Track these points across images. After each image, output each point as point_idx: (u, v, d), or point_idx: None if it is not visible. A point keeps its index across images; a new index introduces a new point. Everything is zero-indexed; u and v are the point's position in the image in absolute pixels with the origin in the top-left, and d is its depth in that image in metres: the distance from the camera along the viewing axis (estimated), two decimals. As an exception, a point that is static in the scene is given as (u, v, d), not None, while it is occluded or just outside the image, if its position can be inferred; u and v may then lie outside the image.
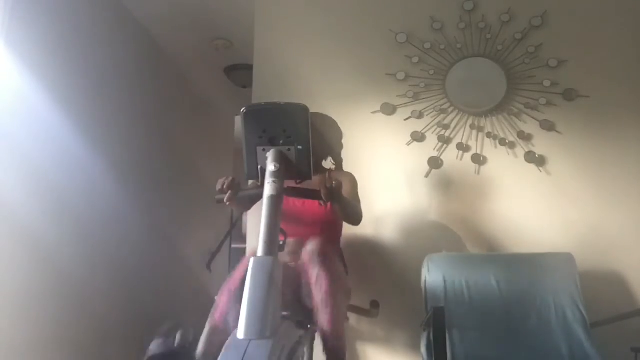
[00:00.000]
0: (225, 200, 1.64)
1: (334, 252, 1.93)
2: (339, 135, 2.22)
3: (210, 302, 1.86)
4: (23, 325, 2.21)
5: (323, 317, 1.50)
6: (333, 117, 2.27)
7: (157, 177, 3.45)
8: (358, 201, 2.10)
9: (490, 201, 2.51)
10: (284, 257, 1.86)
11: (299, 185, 1.47)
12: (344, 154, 2.28)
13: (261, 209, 1.23)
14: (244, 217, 4.25)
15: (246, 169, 1.36)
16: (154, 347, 1.39)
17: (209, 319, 1.56)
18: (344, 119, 2.62)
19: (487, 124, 2.59)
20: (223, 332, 1.43)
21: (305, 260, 1.62)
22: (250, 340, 1.01)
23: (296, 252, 1.87)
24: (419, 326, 2.08)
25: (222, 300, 1.55)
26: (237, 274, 1.57)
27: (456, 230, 2.50)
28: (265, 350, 1.00)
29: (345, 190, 1.94)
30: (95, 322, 2.67)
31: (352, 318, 2.22)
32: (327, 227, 2.02)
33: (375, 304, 2.16)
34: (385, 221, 2.54)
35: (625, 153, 2.47)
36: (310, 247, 1.64)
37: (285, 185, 1.34)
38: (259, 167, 1.33)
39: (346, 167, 2.40)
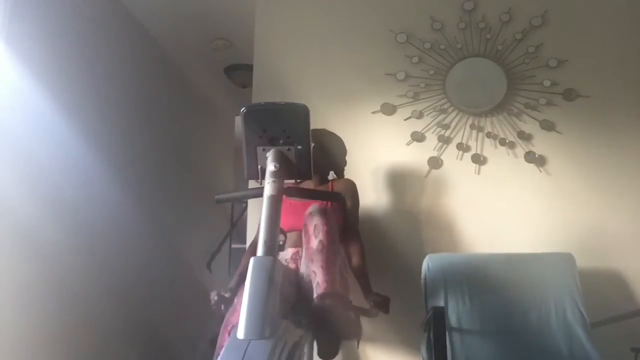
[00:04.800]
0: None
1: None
2: (344, 152, 2.34)
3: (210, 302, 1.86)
4: (23, 326, 2.21)
5: (316, 265, 1.50)
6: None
7: (156, 176, 3.45)
8: (357, 217, 2.22)
9: (490, 201, 2.51)
10: (286, 253, 1.88)
11: (304, 187, 1.49)
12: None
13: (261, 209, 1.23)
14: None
15: (246, 168, 1.36)
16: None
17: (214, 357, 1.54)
18: (344, 119, 2.64)
19: (487, 124, 2.59)
20: None
21: (305, 218, 1.65)
22: (250, 340, 1.01)
23: (297, 245, 1.90)
24: (419, 326, 2.08)
25: (224, 337, 1.53)
26: (236, 310, 1.55)
27: (456, 230, 2.50)
28: (265, 350, 1.00)
29: (348, 208, 2.12)
30: (95, 322, 2.67)
31: (352, 318, 2.22)
32: (333, 219, 2.04)
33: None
34: (385, 221, 2.54)
35: (625, 153, 2.47)
36: (311, 209, 1.68)
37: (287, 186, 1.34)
38: (259, 167, 1.33)
39: (346, 167, 2.41)
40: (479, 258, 2.26)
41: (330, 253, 1.56)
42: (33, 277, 2.27)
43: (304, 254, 1.66)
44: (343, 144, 2.33)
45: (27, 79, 2.28)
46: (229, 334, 1.51)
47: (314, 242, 1.57)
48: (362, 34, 2.77)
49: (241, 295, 1.55)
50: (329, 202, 2.07)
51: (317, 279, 1.50)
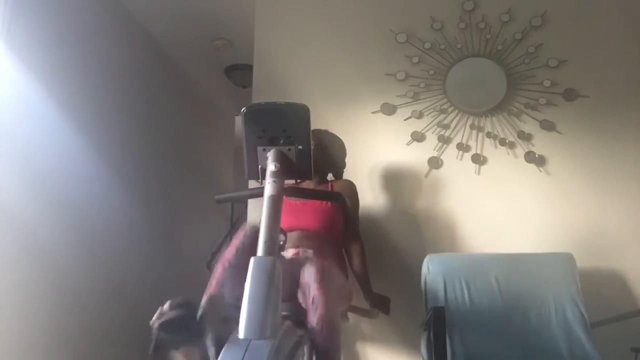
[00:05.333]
0: None
1: (332, 259, 1.95)
2: (344, 154, 2.36)
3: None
4: (22, 326, 2.21)
5: (313, 316, 1.46)
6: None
7: (156, 176, 3.45)
8: (357, 218, 2.22)
9: (490, 201, 2.51)
10: (286, 253, 1.88)
11: (306, 187, 1.47)
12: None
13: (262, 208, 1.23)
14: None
15: (246, 168, 1.36)
16: (168, 313, 1.33)
17: (206, 290, 1.55)
18: (344, 119, 2.64)
19: (487, 124, 2.59)
20: (220, 299, 1.45)
21: (302, 284, 1.54)
22: (250, 340, 1.01)
23: (297, 245, 1.90)
24: (419, 326, 2.08)
25: (218, 271, 1.55)
26: (232, 246, 1.56)
27: (456, 230, 2.50)
28: (265, 350, 0.99)
29: (349, 209, 2.11)
30: (95, 322, 2.67)
31: (352, 318, 2.22)
32: (327, 221, 2.04)
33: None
34: (385, 221, 2.54)
35: (625, 153, 2.47)
36: (308, 274, 1.51)
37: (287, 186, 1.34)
38: (259, 167, 1.33)
39: (347, 167, 2.41)
40: (479, 258, 2.27)
41: (331, 329, 1.44)
42: (33, 276, 2.27)
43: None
44: (344, 146, 2.34)
45: (27, 79, 2.28)
46: (223, 266, 1.53)
47: (313, 317, 1.40)
48: (362, 34, 2.77)
49: (240, 233, 1.55)
50: (329, 202, 2.07)
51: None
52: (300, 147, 1.31)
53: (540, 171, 2.51)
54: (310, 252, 1.90)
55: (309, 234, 1.96)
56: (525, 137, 2.54)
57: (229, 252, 1.56)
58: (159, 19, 3.31)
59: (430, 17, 2.69)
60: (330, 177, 2.35)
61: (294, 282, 1.60)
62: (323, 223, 2.03)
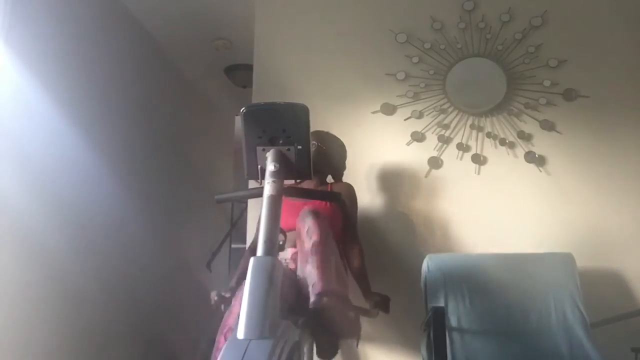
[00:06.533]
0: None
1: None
2: (344, 156, 2.37)
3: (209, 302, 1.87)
4: (22, 326, 2.21)
5: (311, 267, 1.51)
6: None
7: (156, 176, 3.45)
8: (355, 220, 2.23)
9: (490, 201, 2.51)
10: (285, 253, 1.88)
11: (304, 187, 1.49)
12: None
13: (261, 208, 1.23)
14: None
15: (246, 168, 1.36)
16: None
17: None
18: (344, 119, 2.64)
19: (487, 124, 2.59)
20: None
21: (298, 221, 1.64)
22: (250, 340, 1.01)
23: (296, 245, 1.90)
24: (419, 326, 2.08)
25: (220, 343, 1.52)
26: (233, 313, 1.55)
27: (456, 230, 2.50)
28: (265, 350, 0.99)
29: (348, 211, 2.14)
30: (95, 322, 2.67)
31: (352, 318, 2.21)
32: (326, 220, 2.04)
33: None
34: (385, 221, 2.54)
35: (625, 153, 2.47)
36: (302, 213, 1.68)
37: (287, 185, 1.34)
38: (259, 167, 1.33)
39: (347, 167, 2.41)
40: (479, 258, 2.26)
41: (324, 253, 1.57)
42: (33, 277, 2.27)
43: (299, 257, 1.66)
44: (345, 148, 2.35)
45: (27, 79, 2.28)
46: (225, 337, 1.52)
47: (308, 244, 1.58)
48: (362, 34, 2.77)
49: (238, 297, 1.55)
50: (328, 203, 2.07)
51: (313, 280, 1.51)
52: (299, 147, 1.31)
53: (540, 171, 2.51)
54: None
55: None
56: (525, 137, 2.54)
57: (231, 320, 1.53)
58: (159, 19, 3.31)
59: (430, 17, 2.70)
60: (329, 179, 2.35)
61: (293, 285, 1.61)
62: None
